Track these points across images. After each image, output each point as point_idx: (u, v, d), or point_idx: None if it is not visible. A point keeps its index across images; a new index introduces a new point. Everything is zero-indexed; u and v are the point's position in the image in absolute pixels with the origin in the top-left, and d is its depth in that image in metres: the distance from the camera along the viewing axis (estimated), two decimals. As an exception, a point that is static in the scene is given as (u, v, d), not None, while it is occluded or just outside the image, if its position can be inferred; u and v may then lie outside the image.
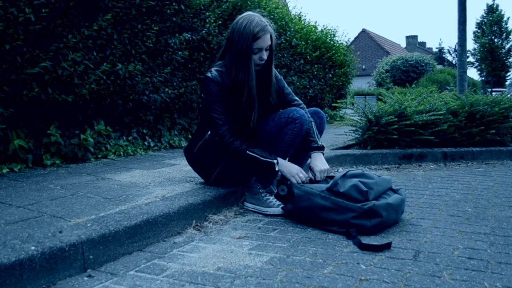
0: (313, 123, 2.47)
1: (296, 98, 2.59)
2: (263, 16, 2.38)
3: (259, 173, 2.42)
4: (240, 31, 2.28)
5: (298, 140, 2.37)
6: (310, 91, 7.88)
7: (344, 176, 2.15)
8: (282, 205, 2.30)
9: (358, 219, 1.99)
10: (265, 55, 2.33)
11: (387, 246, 1.78)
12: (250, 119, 2.33)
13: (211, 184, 2.51)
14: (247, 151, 2.28)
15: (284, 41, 6.83)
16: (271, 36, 2.33)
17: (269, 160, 2.29)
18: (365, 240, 1.89)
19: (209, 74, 2.32)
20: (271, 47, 2.36)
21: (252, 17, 2.32)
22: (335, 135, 5.42)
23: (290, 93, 2.58)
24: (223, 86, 2.30)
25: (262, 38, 2.28)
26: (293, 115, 2.32)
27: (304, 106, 2.55)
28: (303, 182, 2.29)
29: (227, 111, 2.31)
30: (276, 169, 2.29)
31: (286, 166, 2.32)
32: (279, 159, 2.31)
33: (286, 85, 2.60)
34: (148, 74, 4.00)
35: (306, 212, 2.13)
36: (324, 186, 2.16)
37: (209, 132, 2.39)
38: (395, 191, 2.27)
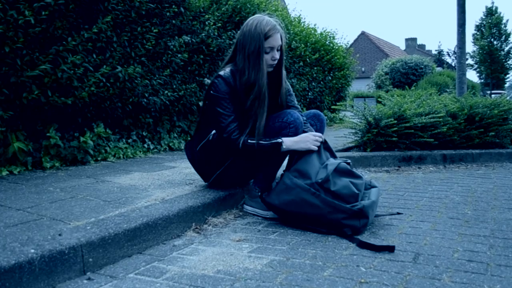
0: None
1: (298, 106, 2.58)
2: (272, 17, 2.38)
3: (257, 175, 2.42)
4: (251, 32, 2.28)
5: None
6: (309, 94, 7.89)
7: (336, 170, 2.14)
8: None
9: (348, 219, 2.00)
10: (277, 54, 2.32)
11: (389, 249, 1.78)
12: (258, 119, 2.30)
13: (210, 184, 2.50)
14: (249, 140, 2.23)
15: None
16: (281, 36, 2.33)
17: (274, 141, 2.24)
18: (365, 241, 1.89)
19: (221, 73, 2.31)
20: (281, 47, 2.36)
21: (261, 17, 2.33)
22: (335, 138, 5.43)
23: (292, 100, 2.56)
24: (233, 87, 2.30)
25: (273, 37, 2.28)
26: (287, 119, 2.30)
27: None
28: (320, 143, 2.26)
29: (234, 111, 2.29)
30: (282, 149, 2.23)
31: (293, 140, 2.25)
32: (284, 138, 2.25)
33: (292, 92, 2.59)
34: (148, 77, 4.01)
35: (293, 206, 2.09)
36: (314, 177, 2.11)
37: (213, 132, 2.36)
38: (370, 185, 2.29)
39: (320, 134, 2.30)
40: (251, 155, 2.30)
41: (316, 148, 2.24)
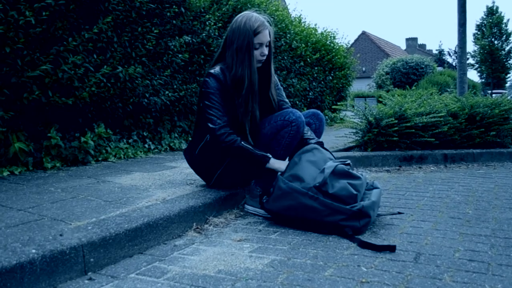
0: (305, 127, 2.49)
1: (287, 100, 2.62)
2: (260, 14, 2.42)
3: (259, 174, 2.42)
4: (240, 28, 2.31)
5: (295, 142, 2.36)
6: (310, 94, 7.88)
7: (333, 173, 2.13)
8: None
9: (347, 221, 2.00)
10: (266, 50, 2.37)
11: (390, 248, 1.78)
12: (253, 115, 2.33)
13: (212, 186, 2.50)
14: (242, 143, 2.26)
15: (284, 44, 6.83)
16: (269, 32, 2.37)
17: (263, 153, 2.28)
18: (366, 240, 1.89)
19: (212, 70, 2.34)
20: (270, 43, 2.40)
21: (250, 14, 2.37)
22: (336, 137, 5.43)
23: (282, 94, 2.60)
24: (224, 84, 2.32)
25: (262, 33, 2.32)
26: (289, 118, 2.32)
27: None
28: None
29: (225, 107, 2.31)
30: (267, 166, 2.27)
31: (278, 163, 2.30)
32: (271, 158, 2.29)
33: (279, 86, 2.63)
34: (148, 77, 4.01)
35: (292, 211, 2.09)
36: (311, 181, 2.11)
37: None
38: (373, 186, 2.29)
39: None
40: (238, 158, 2.33)
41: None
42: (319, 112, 2.60)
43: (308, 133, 2.48)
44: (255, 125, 2.37)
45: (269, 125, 2.37)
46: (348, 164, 2.28)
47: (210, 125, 2.28)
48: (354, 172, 2.25)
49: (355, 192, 2.07)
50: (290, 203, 2.09)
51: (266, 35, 2.34)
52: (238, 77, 2.30)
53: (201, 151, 2.41)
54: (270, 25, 2.41)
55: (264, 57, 2.38)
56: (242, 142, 2.26)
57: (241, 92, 2.31)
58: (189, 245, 1.92)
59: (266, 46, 2.37)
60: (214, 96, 2.30)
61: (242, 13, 2.40)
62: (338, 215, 2.01)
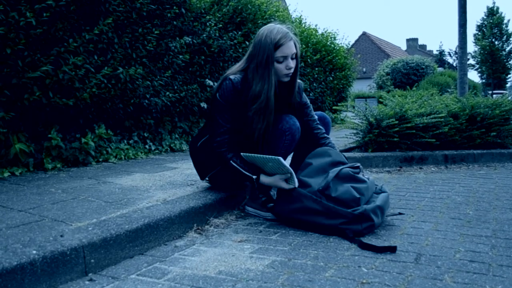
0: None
1: (318, 126, 2.51)
2: (283, 25, 2.31)
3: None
4: (261, 42, 2.21)
5: (291, 149, 2.34)
6: (311, 94, 7.89)
7: (337, 177, 2.14)
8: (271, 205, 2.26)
9: (349, 224, 2.00)
10: (291, 63, 2.23)
11: (390, 249, 1.78)
12: (258, 130, 2.27)
13: (208, 183, 2.52)
14: (231, 161, 2.25)
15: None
16: (295, 44, 2.24)
17: (249, 174, 2.24)
18: (366, 241, 1.89)
19: (232, 76, 2.26)
20: (296, 55, 2.27)
21: (271, 26, 2.26)
22: (336, 138, 5.43)
23: (308, 113, 2.49)
24: (240, 92, 2.25)
25: (286, 45, 2.19)
26: (282, 126, 2.27)
27: (330, 140, 2.52)
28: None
29: (234, 120, 2.28)
30: (259, 183, 2.24)
31: (268, 180, 2.22)
32: (261, 176, 2.22)
33: (309, 104, 2.52)
34: (149, 78, 4.01)
35: (297, 214, 2.11)
36: (316, 185, 2.13)
37: None
38: (380, 190, 2.29)
39: (288, 186, 2.19)
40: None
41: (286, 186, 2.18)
42: (326, 115, 2.57)
43: (320, 129, 2.46)
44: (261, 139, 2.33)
45: (271, 134, 2.34)
46: (358, 167, 2.28)
47: (212, 142, 2.28)
48: (360, 175, 2.24)
49: (358, 196, 2.07)
50: (295, 206, 2.12)
51: (291, 47, 2.20)
52: (257, 93, 2.22)
53: (202, 145, 2.41)
54: (296, 35, 2.28)
55: (291, 70, 2.25)
56: (232, 160, 2.25)
57: (253, 106, 2.24)
58: (190, 246, 1.92)
59: (292, 58, 2.24)
60: (223, 110, 2.25)
61: (265, 26, 2.30)
62: (339, 219, 2.01)
